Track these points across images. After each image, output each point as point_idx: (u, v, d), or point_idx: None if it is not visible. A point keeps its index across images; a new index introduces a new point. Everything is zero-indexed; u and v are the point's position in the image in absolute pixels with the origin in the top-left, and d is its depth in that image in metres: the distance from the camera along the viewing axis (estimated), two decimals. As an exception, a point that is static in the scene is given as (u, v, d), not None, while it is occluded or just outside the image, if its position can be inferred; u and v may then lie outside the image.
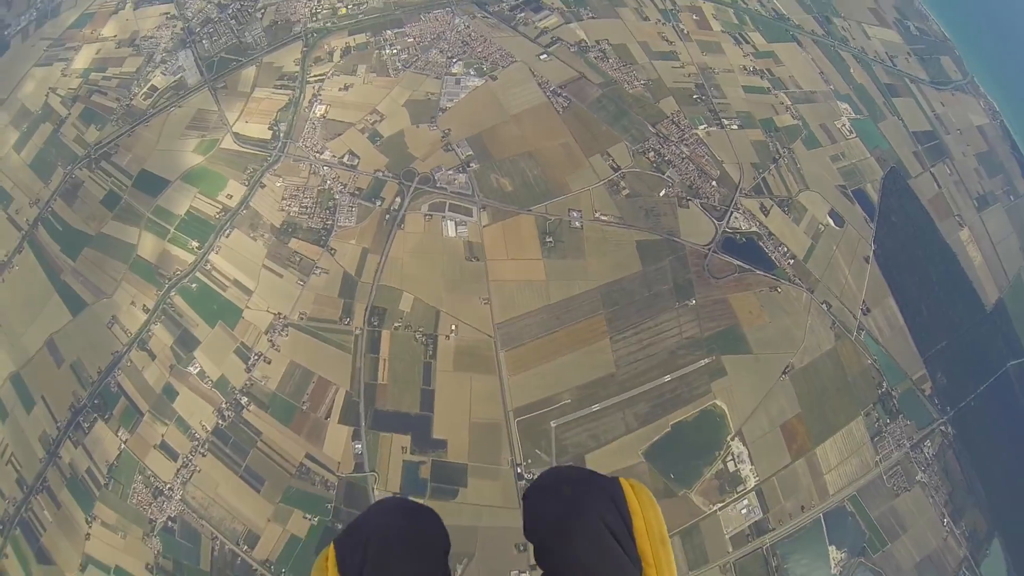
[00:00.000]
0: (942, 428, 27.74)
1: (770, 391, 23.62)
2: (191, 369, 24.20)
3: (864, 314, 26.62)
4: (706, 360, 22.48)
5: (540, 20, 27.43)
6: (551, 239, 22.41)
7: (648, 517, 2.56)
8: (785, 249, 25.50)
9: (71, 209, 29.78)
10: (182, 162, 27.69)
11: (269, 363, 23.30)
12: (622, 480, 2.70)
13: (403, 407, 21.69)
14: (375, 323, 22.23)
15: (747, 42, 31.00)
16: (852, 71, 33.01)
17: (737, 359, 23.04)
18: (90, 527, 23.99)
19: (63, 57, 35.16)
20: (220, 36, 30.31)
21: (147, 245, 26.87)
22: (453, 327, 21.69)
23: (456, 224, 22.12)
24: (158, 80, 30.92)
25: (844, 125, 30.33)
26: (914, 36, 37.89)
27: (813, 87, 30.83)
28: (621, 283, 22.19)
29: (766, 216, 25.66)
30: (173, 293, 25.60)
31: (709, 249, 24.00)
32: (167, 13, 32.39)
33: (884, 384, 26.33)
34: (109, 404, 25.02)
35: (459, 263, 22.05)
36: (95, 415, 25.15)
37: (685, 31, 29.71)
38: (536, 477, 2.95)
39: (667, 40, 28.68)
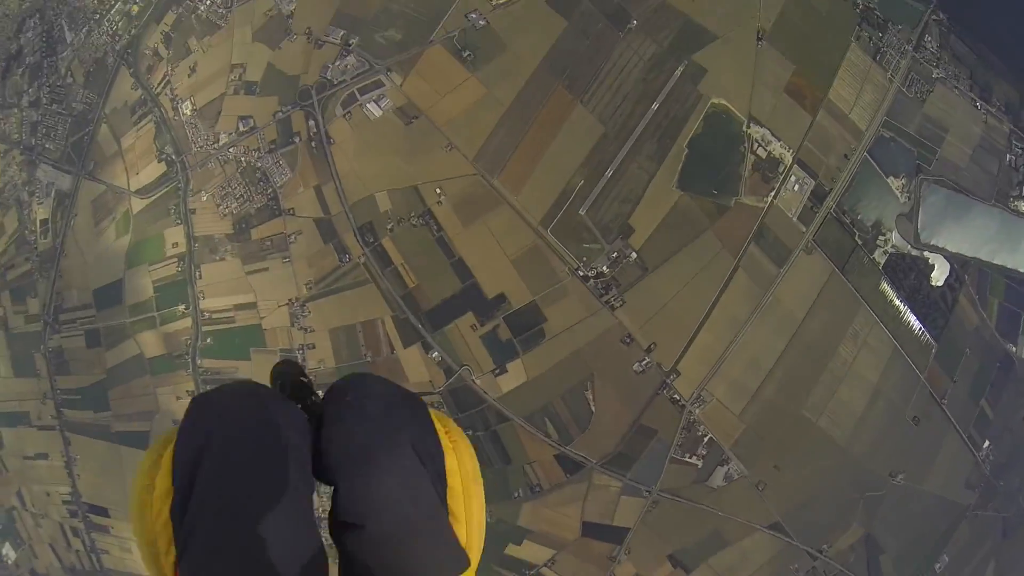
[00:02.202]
0: (934, 18, 26.22)
1: (756, 64, 22.29)
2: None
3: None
4: (679, 69, 21.10)
5: None
6: (468, 52, 20.78)
7: (461, 452, 2.21)
8: None
9: (71, 376, 29.17)
10: (114, 256, 26.39)
11: (314, 347, 22.93)
12: (431, 411, 2.30)
13: (446, 292, 21.07)
14: (371, 240, 21.31)
15: None
16: None
17: (707, 52, 21.62)
18: None
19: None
20: (55, 127, 28.18)
21: (149, 343, 26.21)
22: (438, 190, 20.63)
23: (377, 101, 20.61)
24: (42, 212, 29.17)
25: None
26: None
27: None
28: (557, 47, 20.61)
29: None
30: (199, 361, 25.18)
31: None
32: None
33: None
34: None
35: (402, 132, 20.69)
36: None
37: None
38: (330, 388, 2.34)
39: None
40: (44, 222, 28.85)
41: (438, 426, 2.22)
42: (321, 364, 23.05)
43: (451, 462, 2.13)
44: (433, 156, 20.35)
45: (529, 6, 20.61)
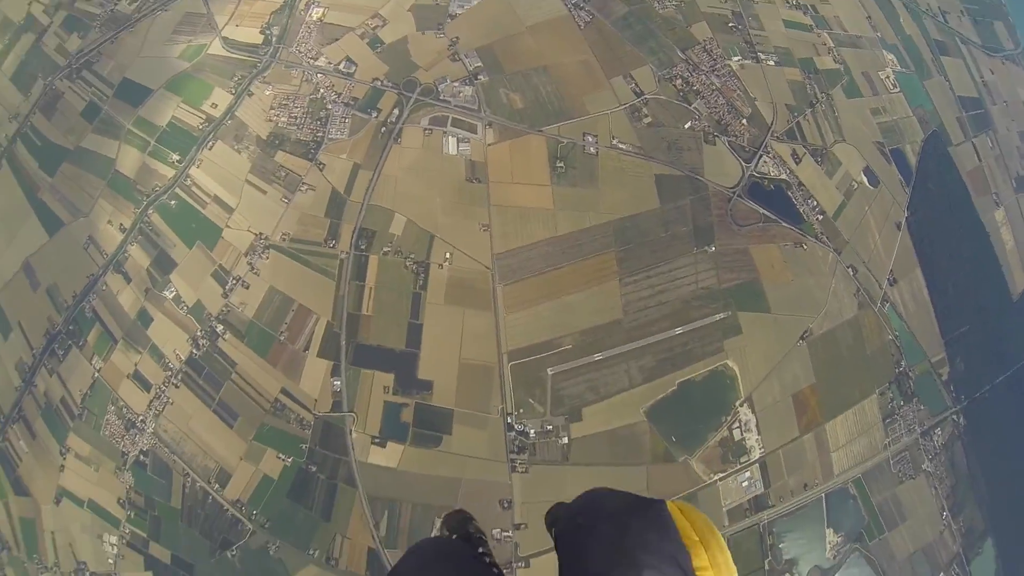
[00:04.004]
0: (954, 417, 26.29)
1: (786, 356, 21.83)
2: (167, 293, 22.57)
3: (890, 284, 24.77)
4: (721, 315, 20.57)
5: (563, -74, 24.59)
6: (562, 164, 20.19)
7: (710, 546, 2.11)
8: (815, 203, 23.38)
9: (50, 123, 27.88)
10: (166, 69, 25.49)
11: (247, 288, 21.61)
12: (671, 506, 2.29)
13: (388, 342, 19.82)
14: (362, 247, 20.20)
15: (793, -27, 28.19)
16: (902, 20, 30.28)
17: (754, 317, 21.17)
18: (64, 459, 23.08)
19: (46, -37, 32.68)
20: None
21: (127, 159, 24.95)
22: (447, 255, 19.66)
23: (458, 141, 19.85)
24: None
25: (889, 77, 27.81)
26: (969, -6, 35.13)
27: (859, 31, 28.23)
28: (636, 219, 20.07)
29: (797, 164, 23.46)
30: (151, 211, 23.87)
31: (734, 192, 21.87)
32: (154, -90, 29.51)
33: (903, 363, 24.67)
34: (84, 330, 23.67)
35: (459, 184, 19.87)
36: (70, 342, 23.83)
37: (725, -48, 26.89)
38: (560, 509, 2.61)
39: (706, -41, 25.91)
40: (138, -7, 28.30)
41: (681, 522, 2.18)
42: (242, 307, 21.65)
43: (699, 560, 2.06)
44: (467, 224, 19.49)
45: (639, 168, 20.22)
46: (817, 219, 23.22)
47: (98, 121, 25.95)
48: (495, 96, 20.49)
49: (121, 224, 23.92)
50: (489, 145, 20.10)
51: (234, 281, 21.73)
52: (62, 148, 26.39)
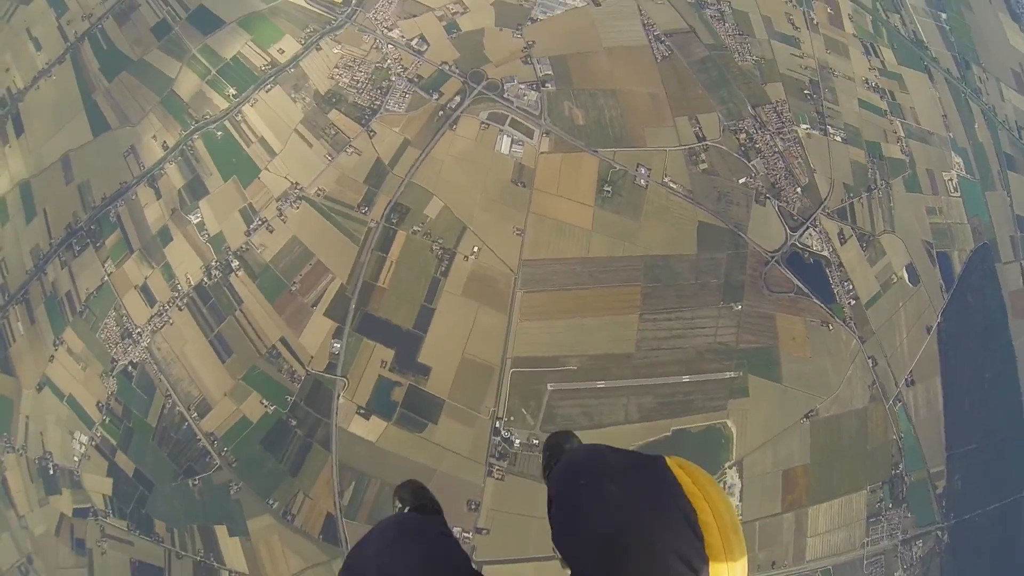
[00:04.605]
0: (938, 533, 25.47)
1: (786, 431, 21.37)
2: (192, 218, 22.77)
3: (907, 385, 24.16)
4: (732, 373, 20.21)
5: (663, -43, 24.53)
6: (609, 189, 20.01)
7: (713, 501, 2.11)
8: (850, 287, 22.92)
9: (120, 30, 28.27)
10: (243, 5, 25.73)
11: (271, 232, 21.71)
12: (670, 462, 2.26)
13: (396, 318, 19.75)
14: (393, 220, 20.18)
15: (877, 55, 27.86)
16: (976, 127, 29.70)
17: (764, 383, 20.77)
18: (55, 350, 23.37)
19: None
20: None
21: (185, 82, 25.27)
22: (475, 248, 19.55)
23: (512, 141, 19.76)
24: None
25: (952, 180, 27.24)
26: (1049, 113, 34.47)
27: (932, 127, 27.74)
28: (670, 260, 19.84)
29: (842, 244, 23.04)
30: (196, 136, 24.11)
31: (773, 257, 21.51)
32: None
33: (901, 466, 24.04)
34: (104, 232, 23.98)
35: (503, 183, 19.78)
36: (88, 240, 24.13)
37: (815, 21, 26.61)
38: (561, 464, 2.41)
39: (793, 23, 25.69)
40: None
41: (683, 478, 2.16)
42: (262, 249, 21.78)
43: (704, 515, 2.03)
44: (502, 224, 19.38)
45: (684, 211, 19.99)
46: (849, 303, 22.77)
47: (166, 40, 26.32)
48: (558, 107, 20.40)
49: (165, 142, 24.23)
50: (542, 153, 20.02)
51: (260, 222, 21.85)
52: (125, 57, 26.84)
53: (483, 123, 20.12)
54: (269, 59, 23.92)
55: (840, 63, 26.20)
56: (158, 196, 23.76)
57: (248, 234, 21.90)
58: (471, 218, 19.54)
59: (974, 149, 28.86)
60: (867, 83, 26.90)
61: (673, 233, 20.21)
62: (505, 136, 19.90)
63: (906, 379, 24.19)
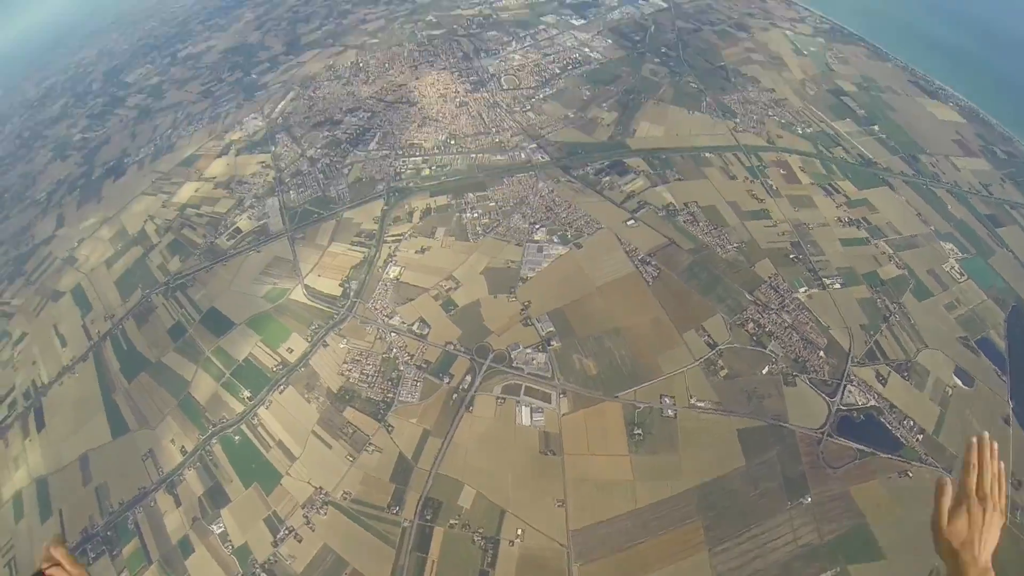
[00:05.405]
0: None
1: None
2: (214, 528, 21.82)
3: (1014, 488, 20.94)
4: (829, 573, 17.41)
5: (626, 184, 26.62)
6: (640, 431, 19.11)
7: None
8: (911, 423, 21.14)
9: (139, 331, 30.22)
10: (251, 306, 27.74)
11: (300, 541, 20.36)
12: None
13: (446, 627, 17.47)
14: (428, 517, 18.95)
15: (838, 191, 29.37)
16: (949, 207, 30.43)
17: (868, 568, 17.91)
18: None
19: (167, 190, 38.77)
20: (307, 188, 31.84)
21: (201, 384, 26.08)
22: (519, 531, 18.05)
23: (532, 411, 19.33)
24: (243, 223, 32.48)
25: (953, 267, 26.99)
26: (1003, 160, 35.33)
27: (913, 230, 28.19)
28: (721, 482, 18.24)
29: (884, 386, 21.69)
30: (215, 441, 23.99)
31: (823, 433, 20.02)
32: (264, 162, 34.85)
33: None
34: (121, 540, 22.96)
35: (532, 456, 18.91)
36: (104, 547, 23.06)
37: (774, 187, 28.25)
38: None
39: (757, 198, 27.13)
40: (238, 230, 31.99)
41: None
42: (291, 560, 20.21)
43: None
44: (541, 499, 18.13)
45: (720, 425, 18.90)
46: (917, 439, 20.87)
47: (182, 341, 27.80)
48: (568, 362, 20.49)
49: (183, 447, 24.12)
50: (563, 415, 19.59)
51: (287, 531, 20.61)
52: (144, 358, 28.09)
53: (499, 398, 19.95)
54: (279, 359, 24.69)
55: (810, 214, 27.21)
56: (178, 503, 23.00)
57: (275, 544, 20.56)
58: (508, 500, 18.32)
59: (958, 228, 29.23)
60: (841, 221, 27.80)
61: (716, 452, 18.88)
62: (523, 407, 19.59)
63: (1011, 482, 20.96)
